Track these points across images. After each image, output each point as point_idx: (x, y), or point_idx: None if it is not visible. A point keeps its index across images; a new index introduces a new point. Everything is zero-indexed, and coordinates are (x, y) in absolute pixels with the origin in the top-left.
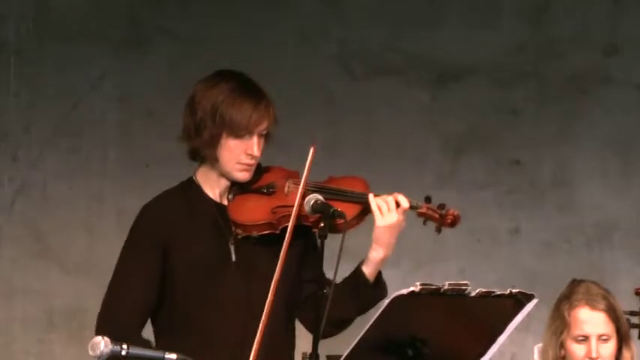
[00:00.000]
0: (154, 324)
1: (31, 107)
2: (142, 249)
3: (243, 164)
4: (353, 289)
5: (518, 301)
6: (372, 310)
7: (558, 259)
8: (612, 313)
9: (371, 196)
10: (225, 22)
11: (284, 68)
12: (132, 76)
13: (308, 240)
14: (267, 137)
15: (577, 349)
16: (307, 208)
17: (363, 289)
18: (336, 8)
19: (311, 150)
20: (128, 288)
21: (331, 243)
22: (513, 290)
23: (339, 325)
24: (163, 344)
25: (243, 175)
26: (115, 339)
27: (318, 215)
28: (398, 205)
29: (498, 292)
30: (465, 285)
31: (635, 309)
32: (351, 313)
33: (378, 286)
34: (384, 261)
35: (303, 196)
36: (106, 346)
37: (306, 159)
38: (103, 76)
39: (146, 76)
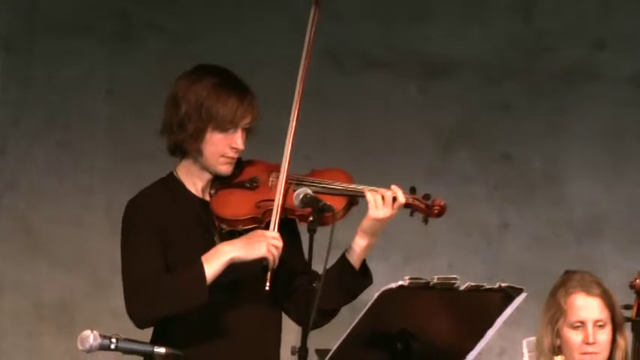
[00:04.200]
0: None
1: (20, 101)
2: (144, 234)
3: (227, 158)
4: (339, 277)
5: (508, 295)
6: (361, 304)
7: (548, 253)
8: (607, 299)
9: (366, 188)
10: (214, 16)
11: (273, 62)
12: (121, 71)
13: (291, 229)
14: (248, 131)
15: (573, 336)
16: (296, 201)
17: (349, 278)
18: (325, 2)
19: (312, 9)
20: (142, 259)
21: (320, 237)
22: (502, 284)
23: (326, 315)
24: (157, 338)
25: (226, 169)
26: (152, 302)
27: (307, 209)
28: (394, 199)
29: (487, 286)
30: (454, 279)
31: (627, 302)
32: (338, 302)
33: (363, 274)
34: (368, 248)
35: (288, 183)
36: (95, 339)
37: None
38: (92, 70)
39: (135, 70)
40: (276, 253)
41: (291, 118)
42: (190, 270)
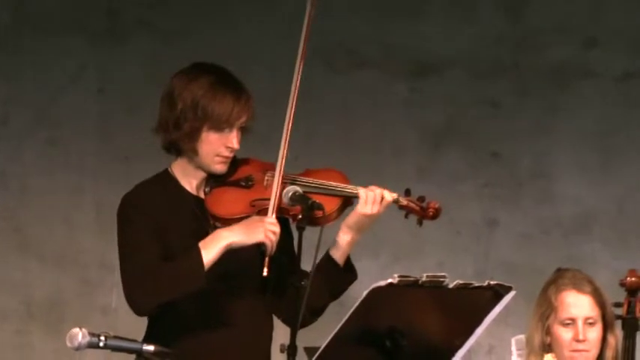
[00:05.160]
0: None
1: (10, 99)
2: (141, 225)
3: (222, 157)
4: (325, 276)
5: (496, 293)
6: (350, 302)
7: (536, 251)
8: (598, 297)
9: (361, 189)
10: (205, 14)
11: (263, 60)
12: (111, 69)
13: (284, 229)
14: (244, 131)
15: (564, 333)
16: (285, 199)
17: (335, 275)
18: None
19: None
20: (140, 250)
21: (309, 235)
22: (491, 282)
23: (314, 313)
24: (151, 333)
25: (220, 167)
26: (151, 290)
27: (297, 207)
28: (382, 198)
29: (476, 284)
30: (443, 277)
31: (617, 300)
32: (324, 300)
33: (348, 270)
34: (352, 244)
35: (283, 182)
36: (83, 337)
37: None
38: (82, 69)
39: (125, 68)
40: (274, 238)
41: (287, 117)
42: (188, 256)
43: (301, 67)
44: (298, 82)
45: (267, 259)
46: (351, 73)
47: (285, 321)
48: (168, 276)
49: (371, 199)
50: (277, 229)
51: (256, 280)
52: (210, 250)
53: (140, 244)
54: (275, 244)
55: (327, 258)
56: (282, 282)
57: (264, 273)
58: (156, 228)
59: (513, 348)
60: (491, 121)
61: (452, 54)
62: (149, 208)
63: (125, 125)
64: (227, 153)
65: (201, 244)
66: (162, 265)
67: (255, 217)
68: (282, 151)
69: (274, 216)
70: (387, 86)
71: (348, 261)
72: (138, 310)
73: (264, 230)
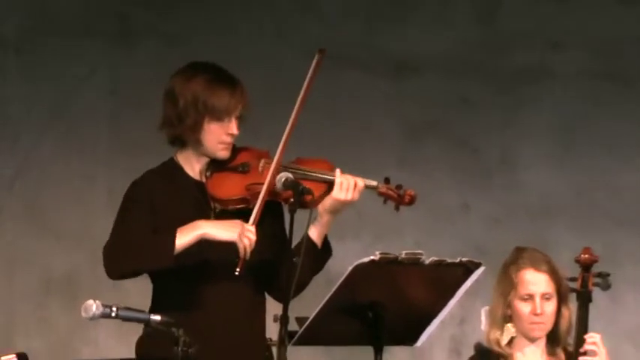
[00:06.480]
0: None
1: (30, 97)
2: (137, 205)
3: (225, 143)
4: (305, 254)
5: (467, 268)
6: (336, 277)
7: (504, 233)
8: (554, 274)
9: (338, 171)
10: (206, 18)
11: (262, 60)
12: (121, 70)
13: (276, 214)
14: (241, 118)
15: (523, 307)
16: (279, 185)
17: (314, 254)
18: (309, 5)
19: (317, 56)
20: (128, 222)
21: (299, 217)
22: (463, 259)
23: (296, 289)
24: (156, 310)
25: (224, 154)
26: (122, 257)
27: (288, 192)
28: (355, 185)
29: (449, 261)
30: (420, 254)
31: (573, 275)
32: (306, 276)
33: (325, 249)
34: (328, 225)
35: (278, 171)
36: (97, 308)
37: (284, 130)
38: (95, 69)
39: (134, 69)
40: (248, 242)
41: (288, 126)
42: (164, 235)
43: (305, 97)
44: (301, 106)
45: (239, 260)
46: (338, 72)
47: (277, 298)
48: (140, 248)
49: (345, 186)
50: (253, 237)
51: (249, 268)
52: (185, 235)
53: (130, 217)
54: (249, 249)
55: (307, 239)
56: (275, 264)
57: (236, 272)
58: (154, 210)
59: (483, 318)
60: (465, 117)
61: (430, 56)
62: (153, 192)
63: (134, 121)
64: (229, 139)
65: (179, 229)
66: (138, 238)
67: (238, 221)
68: (278, 157)
69: (256, 223)
70: (371, 85)
71: (325, 240)
72: (108, 273)
73: (240, 233)
